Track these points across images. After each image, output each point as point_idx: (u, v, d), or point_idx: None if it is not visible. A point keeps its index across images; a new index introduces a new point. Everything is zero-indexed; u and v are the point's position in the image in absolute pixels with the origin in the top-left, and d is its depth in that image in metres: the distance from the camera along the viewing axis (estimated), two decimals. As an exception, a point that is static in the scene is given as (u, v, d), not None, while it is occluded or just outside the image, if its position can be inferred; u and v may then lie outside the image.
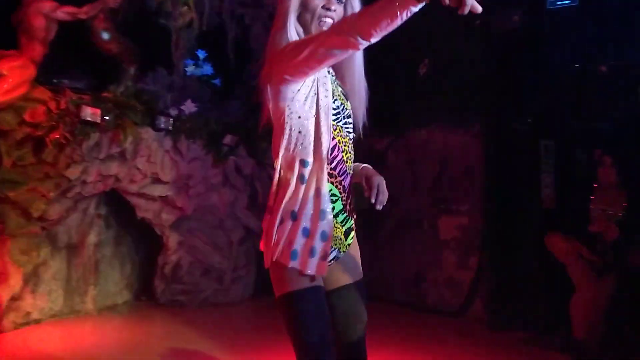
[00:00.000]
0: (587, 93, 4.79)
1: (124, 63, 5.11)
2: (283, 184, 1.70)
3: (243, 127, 5.67)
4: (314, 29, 1.73)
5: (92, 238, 4.85)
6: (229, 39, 6.61)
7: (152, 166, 4.93)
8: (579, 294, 3.74)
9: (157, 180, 5.00)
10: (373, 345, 2.00)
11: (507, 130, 4.76)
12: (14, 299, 4.28)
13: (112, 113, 4.61)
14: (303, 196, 1.67)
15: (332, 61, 1.60)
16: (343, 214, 1.77)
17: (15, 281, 4.27)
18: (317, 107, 1.68)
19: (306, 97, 1.67)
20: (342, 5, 1.78)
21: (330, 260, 1.72)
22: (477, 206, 4.96)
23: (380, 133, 5.92)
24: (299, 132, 1.68)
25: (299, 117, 1.68)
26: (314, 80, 1.68)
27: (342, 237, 1.77)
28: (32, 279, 4.42)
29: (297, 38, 1.68)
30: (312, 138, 1.69)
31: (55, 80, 4.73)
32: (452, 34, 5.27)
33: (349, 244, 1.79)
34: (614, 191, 3.84)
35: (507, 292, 4.63)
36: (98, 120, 4.45)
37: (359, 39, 1.51)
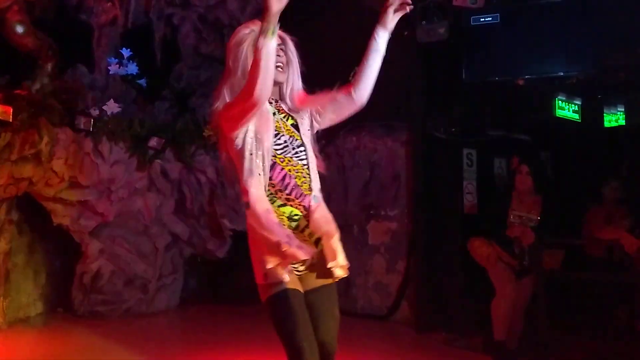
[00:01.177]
0: (506, 105, 5.09)
1: (41, 59, 4.83)
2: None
3: (170, 130, 5.50)
4: (277, 78, 1.99)
5: (2, 245, 4.50)
6: (156, 38, 6.41)
7: (71, 169, 4.68)
8: (499, 296, 3.92)
9: (75, 184, 4.76)
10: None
11: (433, 138, 4.93)
12: None
13: (25, 112, 4.31)
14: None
15: (251, 119, 1.87)
16: (308, 228, 1.98)
17: None
18: (263, 149, 1.92)
19: (244, 141, 1.91)
20: (283, 51, 2.07)
21: (303, 271, 1.98)
22: (405, 211, 5.10)
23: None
24: (248, 168, 1.91)
25: (250, 154, 1.91)
26: (254, 126, 1.92)
27: (313, 246, 1.98)
28: None
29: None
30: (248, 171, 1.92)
31: (-39, 75, 4.37)
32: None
33: (320, 250, 1.99)
34: (530, 198, 4.07)
35: (432, 295, 4.79)
36: (9, 119, 4.15)
37: (251, 98, 1.77)
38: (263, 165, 1.91)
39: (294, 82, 2.12)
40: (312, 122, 2.15)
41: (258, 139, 1.91)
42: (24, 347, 4.19)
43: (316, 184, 2.06)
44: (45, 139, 4.40)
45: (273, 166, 1.94)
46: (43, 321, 4.82)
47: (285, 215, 1.95)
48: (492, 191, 4.82)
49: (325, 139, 5.74)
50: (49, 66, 4.85)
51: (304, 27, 5.95)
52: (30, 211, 4.74)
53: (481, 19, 4.70)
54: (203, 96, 6.63)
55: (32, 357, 3.86)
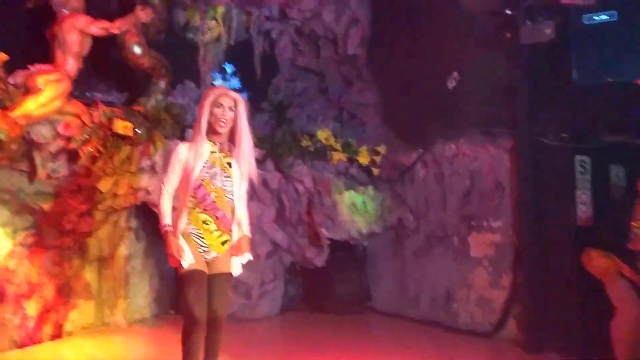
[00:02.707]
0: (623, 108, 4.69)
1: (155, 77, 5.17)
2: None
3: (269, 141, 5.68)
4: (218, 128, 2.92)
5: (122, 250, 4.88)
6: (255, 53, 6.69)
7: (181, 179, 4.94)
8: (620, 316, 3.60)
9: (186, 193, 5.00)
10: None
11: (541, 145, 4.66)
12: (47, 310, 4.31)
13: (143, 126, 4.65)
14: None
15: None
16: (218, 231, 2.92)
17: (48, 293, 4.30)
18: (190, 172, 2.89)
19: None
20: (233, 112, 2.93)
21: (212, 258, 2.93)
22: (510, 223, 4.85)
23: (407, 147, 5.87)
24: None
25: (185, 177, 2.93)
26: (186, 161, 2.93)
27: (219, 245, 2.93)
28: (64, 291, 4.45)
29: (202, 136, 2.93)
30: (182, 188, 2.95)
31: (88, 94, 4.80)
32: (480, 46, 5.23)
33: (224, 249, 2.95)
34: (656, 208, 3.71)
35: (543, 313, 4.50)
36: (130, 133, 4.49)
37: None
38: (186, 181, 2.89)
39: (242, 136, 2.93)
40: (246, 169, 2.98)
41: (192, 165, 2.89)
42: (141, 346, 4.51)
43: (234, 207, 2.94)
44: (160, 151, 4.71)
45: (199, 186, 2.88)
46: (157, 322, 5.15)
47: (200, 219, 2.89)
48: (608, 201, 4.45)
49: (422, 147, 5.67)
50: (162, 83, 5.19)
51: (405, 30, 5.95)
52: (146, 219, 5.08)
53: (594, 17, 4.41)
54: (299, 107, 6.80)
55: (147, 355, 4.13)
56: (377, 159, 5.91)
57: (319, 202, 5.65)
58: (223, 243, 2.93)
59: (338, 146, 5.81)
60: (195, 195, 2.88)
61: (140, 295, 5.12)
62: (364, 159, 5.84)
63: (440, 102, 5.52)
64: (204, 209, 2.88)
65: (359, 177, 5.96)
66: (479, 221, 5.11)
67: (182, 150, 2.93)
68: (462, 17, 5.30)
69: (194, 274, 2.84)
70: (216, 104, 2.90)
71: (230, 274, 2.99)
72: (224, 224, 2.91)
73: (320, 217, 5.62)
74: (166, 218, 2.89)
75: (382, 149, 5.94)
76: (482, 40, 5.23)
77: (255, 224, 5.54)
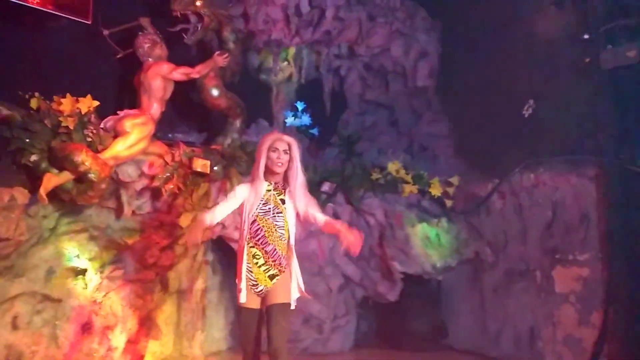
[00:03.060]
0: None
1: (231, 117, 5.41)
2: None
3: (340, 174, 5.72)
4: (275, 169, 3.13)
5: (200, 284, 5.04)
6: (325, 90, 6.86)
7: (255, 214, 5.08)
8: None
9: (260, 227, 5.13)
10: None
11: (628, 172, 4.37)
12: (131, 342, 4.52)
13: (220, 164, 4.86)
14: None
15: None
16: (266, 265, 3.07)
17: (132, 325, 4.52)
18: (247, 212, 3.14)
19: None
20: (288, 155, 3.13)
21: (260, 291, 3.09)
22: (598, 256, 4.53)
23: (481, 177, 5.70)
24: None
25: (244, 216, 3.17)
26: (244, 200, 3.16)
27: (267, 279, 3.07)
28: (146, 323, 4.65)
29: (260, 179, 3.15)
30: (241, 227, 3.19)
31: (170, 135, 5.11)
32: (557, 72, 5.05)
33: (273, 283, 3.08)
34: None
35: (638, 353, 4.12)
36: (207, 171, 4.70)
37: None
38: (245, 221, 3.12)
39: (295, 175, 3.13)
40: (300, 205, 3.15)
41: (249, 205, 3.13)
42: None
43: (287, 238, 3.12)
44: (235, 187, 4.87)
45: (254, 222, 3.10)
46: (232, 356, 5.22)
47: (251, 253, 3.09)
48: None
49: (497, 177, 5.48)
50: (238, 122, 5.43)
51: (477, 58, 5.87)
52: (222, 253, 5.24)
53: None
54: (368, 141, 6.83)
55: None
56: (450, 190, 5.78)
57: (391, 235, 5.58)
58: (271, 277, 3.07)
59: (409, 178, 5.75)
60: (249, 230, 3.10)
61: (216, 328, 5.23)
62: (436, 190, 5.72)
63: (516, 131, 5.36)
64: (255, 244, 3.08)
65: (432, 210, 5.84)
66: (564, 254, 4.82)
67: (242, 188, 3.19)
68: (538, 43, 5.17)
69: (243, 311, 3.12)
70: (272, 148, 3.12)
71: (284, 304, 3.06)
72: (273, 258, 3.07)
73: (393, 250, 5.53)
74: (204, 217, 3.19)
75: (455, 180, 5.80)
76: (560, 66, 5.06)
77: (327, 257, 5.58)
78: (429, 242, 5.60)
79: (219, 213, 3.19)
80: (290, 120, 6.49)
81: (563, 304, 4.72)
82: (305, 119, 6.54)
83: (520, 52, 5.41)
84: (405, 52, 6.63)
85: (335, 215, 5.63)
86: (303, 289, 3.16)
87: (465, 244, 5.68)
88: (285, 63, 6.53)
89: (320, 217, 3.18)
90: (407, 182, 5.73)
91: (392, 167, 5.76)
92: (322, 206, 5.49)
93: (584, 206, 4.74)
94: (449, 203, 5.77)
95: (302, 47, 6.51)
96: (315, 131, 6.55)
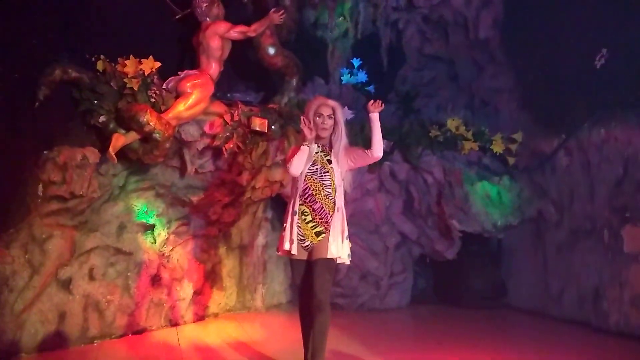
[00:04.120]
0: None
1: (287, 75, 5.42)
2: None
3: (397, 132, 5.64)
4: (321, 134, 3.31)
5: (260, 239, 5.22)
6: (382, 46, 6.68)
7: (313, 172, 5.14)
8: None
9: (316, 185, 5.19)
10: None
11: None
12: (197, 293, 4.78)
13: (277, 123, 4.91)
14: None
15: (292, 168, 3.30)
16: (313, 222, 3.25)
17: (198, 277, 4.77)
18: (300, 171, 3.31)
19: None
20: (332, 119, 3.30)
21: (306, 246, 3.26)
22: (673, 214, 4.28)
23: (547, 133, 5.45)
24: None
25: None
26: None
27: (313, 235, 3.25)
28: (211, 276, 4.89)
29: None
30: (293, 185, 3.40)
31: (229, 95, 5.19)
32: (633, 19, 4.67)
33: (319, 239, 3.24)
34: None
35: None
36: (265, 130, 4.76)
37: (287, 168, 3.34)
38: (298, 180, 3.29)
39: (339, 137, 3.29)
40: (345, 161, 3.32)
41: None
42: (278, 329, 4.78)
43: (335, 199, 3.28)
44: (293, 145, 4.93)
45: (304, 181, 3.27)
46: (292, 307, 5.41)
47: (300, 210, 3.27)
48: None
49: (564, 133, 5.22)
50: (294, 81, 5.43)
51: (544, 6, 5.52)
52: (281, 210, 5.34)
53: None
54: (427, 97, 6.66)
55: (284, 338, 4.33)
56: (513, 147, 5.58)
57: (449, 194, 5.50)
58: (318, 234, 3.24)
59: (469, 135, 5.59)
60: (299, 189, 3.28)
61: (277, 282, 5.43)
62: (498, 147, 5.55)
63: (586, 83, 5.05)
64: (304, 201, 3.27)
65: (493, 167, 5.68)
66: (635, 213, 4.58)
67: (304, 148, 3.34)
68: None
69: (292, 262, 3.35)
70: (317, 113, 3.30)
71: (328, 260, 3.21)
72: (320, 216, 3.24)
73: (451, 208, 5.46)
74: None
75: (518, 136, 5.59)
76: (635, 12, 4.66)
77: (384, 215, 5.59)
78: (489, 201, 5.48)
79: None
80: (346, 77, 6.41)
81: (632, 264, 4.52)
82: (362, 76, 6.44)
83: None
84: (466, 2, 6.30)
85: (392, 173, 5.60)
86: (343, 255, 3.26)
87: (528, 203, 5.51)
88: (341, 18, 6.39)
89: (368, 151, 3.27)
90: (467, 139, 5.58)
91: (452, 123, 5.61)
92: (379, 164, 5.47)
93: (660, 162, 4.45)
94: (511, 160, 5.59)
95: (358, 0, 6.34)
96: (371, 88, 6.45)
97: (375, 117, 3.28)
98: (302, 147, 3.25)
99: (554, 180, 5.37)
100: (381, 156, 3.31)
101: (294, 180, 3.34)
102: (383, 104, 3.31)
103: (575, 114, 5.13)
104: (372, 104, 3.29)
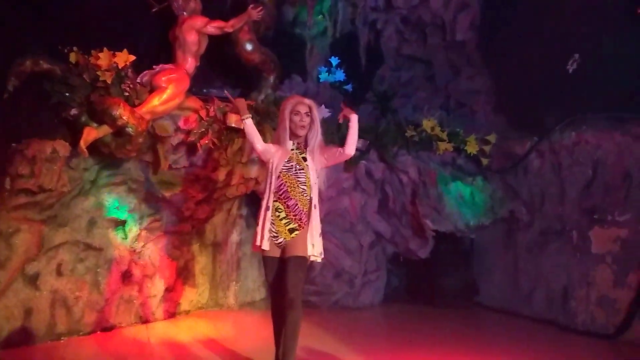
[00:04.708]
0: None
1: (265, 72, 5.39)
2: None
3: (373, 131, 5.66)
4: (298, 132, 3.37)
5: (234, 237, 5.18)
6: (360, 45, 6.71)
7: (288, 170, 5.12)
8: None
9: (292, 183, 5.19)
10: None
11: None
12: (168, 290, 4.73)
13: (253, 119, 4.85)
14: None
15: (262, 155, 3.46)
16: (287, 219, 3.28)
17: (169, 274, 4.72)
18: (273, 168, 3.36)
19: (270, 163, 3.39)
20: (309, 117, 3.35)
21: (279, 243, 3.28)
22: (639, 217, 4.40)
23: (520, 135, 5.55)
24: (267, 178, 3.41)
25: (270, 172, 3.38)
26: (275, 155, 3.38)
27: (287, 232, 3.27)
28: (183, 272, 4.84)
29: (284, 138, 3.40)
30: (267, 181, 3.39)
31: (205, 90, 5.14)
32: (605, 25, 4.79)
33: (292, 236, 3.27)
34: None
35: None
36: (241, 126, 4.71)
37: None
38: (272, 176, 3.31)
39: (315, 135, 3.35)
40: (320, 159, 3.37)
41: (275, 162, 3.34)
42: (250, 327, 4.76)
43: (311, 196, 3.33)
44: (269, 142, 4.90)
45: (278, 177, 3.30)
46: (266, 305, 5.39)
47: (274, 207, 3.29)
48: None
49: (537, 135, 5.31)
50: (272, 78, 5.41)
51: (520, 11, 5.60)
52: (256, 207, 5.30)
53: None
54: (404, 97, 6.71)
55: (256, 336, 4.32)
56: (487, 148, 5.66)
57: (424, 193, 5.54)
58: (291, 231, 3.27)
59: (444, 135, 5.64)
60: (274, 185, 3.30)
61: (251, 279, 5.40)
62: (472, 148, 5.62)
63: (559, 87, 5.16)
64: (278, 198, 3.29)
65: (467, 168, 5.75)
66: (603, 215, 4.71)
67: (272, 146, 3.43)
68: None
69: (265, 259, 3.34)
70: (294, 111, 3.34)
71: (301, 257, 3.23)
72: (294, 213, 3.27)
73: (425, 208, 5.51)
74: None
75: (492, 137, 5.67)
76: (608, 18, 4.78)
77: (359, 213, 5.61)
78: (462, 201, 5.55)
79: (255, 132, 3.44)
80: (324, 75, 6.41)
81: (599, 265, 4.64)
82: (340, 75, 6.44)
83: (566, 4, 5.13)
84: (445, 4, 6.38)
85: (368, 172, 5.63)
86: (315, 253, 3.28)
87: (501, 203, 5.60)
88: (320, 16, 6.40)
89: (341, 149, 3.38)
90: (442, 140, 5.63)
91: (427, 124, 5.66)
92: (355, 163, 5.50)
93: (627, 165, 4.58)
94: (485, 161, 5.66)
95: (337, -1, 6.36)
96: (349, 87, 6.46)
97: (356, 118, 3.41)
98: (245, 121, 3.42)
99: (525, 182, 5.47)
100: (351, 155, 3.43)
101: (268, 176, 3.35)
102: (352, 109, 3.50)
103: (548, 117, 5.24)
104: (348, 108, 3.46)
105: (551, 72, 5.27)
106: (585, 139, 4.93)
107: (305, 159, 3.35)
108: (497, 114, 6.02)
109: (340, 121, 3.61)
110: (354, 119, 3.41)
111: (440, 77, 6.56)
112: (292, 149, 3.36)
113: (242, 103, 3.57)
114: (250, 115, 3.46)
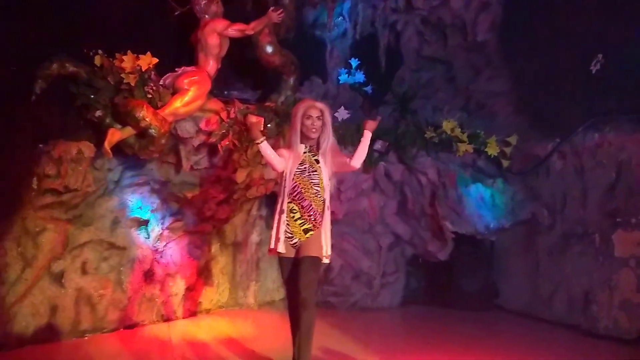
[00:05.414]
0: None
1: (285, 74, 5.43)
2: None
3: (393, 133, 5.66)
4: (310, 135, 3.41)
5: (254, 237, 5.24)
6: (380, 46, 6.71)
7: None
8: None
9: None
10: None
11: None
12: (189, 289, 4.80)
13: (273, 121, 4.92)
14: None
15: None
16: (301, 220, 3.33)
17: (190, 273, 4.79)
18: (287, 172, 3.39)
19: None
20: (321, 120, 3.39)
21: (294, 243, 3.34)
22: (664, 220, 4.32)
23: (541, 137, 5.48)
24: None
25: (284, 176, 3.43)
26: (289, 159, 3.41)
27: (302, 232, 3.33)
28: (204, 272, 4.91)
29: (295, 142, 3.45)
30: (281, 185, 3.44)
31: (226, 92, 5.20)
32: (630, 25, 4.71)
33: (307, 237, 3.33)
34: None
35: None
36: (261, 128, 4.76)
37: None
38: (286, 179, 3.36)
39: (327, 138, 3.40)
40: (332, 163, 3.43)
41: (289, 166, 3.37)
42: (269, 326, 4.80)
43: (325, 197, 3.40)
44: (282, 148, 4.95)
45: (292, 179, 3.34)
46: (285, 305, 5.42)
47: (289, 208, 3.34)
48: None
49: (559, 137, 5.25)
50: (292, 80, 5.45)
51: (542, 11, 5.55)
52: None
53: None
54: (424, 98, 6.68)
55: (275, 336, 4.34)
56: (508, 150, 5.61)
57: (443, 195, 5.52)
58: (306, 231, 3.33)
59: (464, 137, 5.61)
60: (288, 187, 3.36)
61: (270, 279, 5.45)
62: (492, 150, 5.57)
63: (582, 88, 5.09)
64: (292, 199, 3.34)
65: (487, 170, 5.71)
66: (626, 218, 4.62)
67: (284, 152, 3.45)
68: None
69: (281, 260, 3.40)
70: (306, 115, 3.37)
71: (314, 258, 3.29)
72: (309, 213, 3.33)
73: (445, 210, 5.49)
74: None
75: (513, 139, 5.61)
76: (633, 18, 4.70)
77: (378, 215, 5.62)
78: (482, 203, 5.51)
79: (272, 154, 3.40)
80: (344, 77, 6.43)
81: (622, 269, 4.56)
82: (359, 76, 6.45)
83: (589, 3, 5.05)
84: (465, 5, 6.33)
85: (387, 174, 5.63)
86: (328, 253, 3.36)
87: (521, 206, 5.54)
88: (340, 18, 6.42)
89: (349, 160, 3.48)
90: (462, 141, 5.60)
91: (447, 125, 5.63)
92: (374, 164, 5.51)
93: (652, 168, 4.49)
94: (505, 163, 5.61)
95: (357, 1, 6.36)
96: (368, 89, 6.47)
97: (369, 135, 3.52)
98: (259, 145, 3.34)
99: (547, 184, 5.41)
100: (358, 168, 3.57)
101: (282, 179, 3.41)
102: (379, 119, 3.64)
103: (570, 118, 5.16)
104: (371, 122, 3.55)
105: (573, 73, 5.20)
106: (608, 140, 4.85)
107: (317, 161, 3.41)
108: (518, 115, 5.95)
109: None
110: (367, 134, 3.50)
111: (461, 78, 6.51)
112: (305, 152, 3.41)
113: (256, 127, 3.48)
114: (264, 139, 3.37)
